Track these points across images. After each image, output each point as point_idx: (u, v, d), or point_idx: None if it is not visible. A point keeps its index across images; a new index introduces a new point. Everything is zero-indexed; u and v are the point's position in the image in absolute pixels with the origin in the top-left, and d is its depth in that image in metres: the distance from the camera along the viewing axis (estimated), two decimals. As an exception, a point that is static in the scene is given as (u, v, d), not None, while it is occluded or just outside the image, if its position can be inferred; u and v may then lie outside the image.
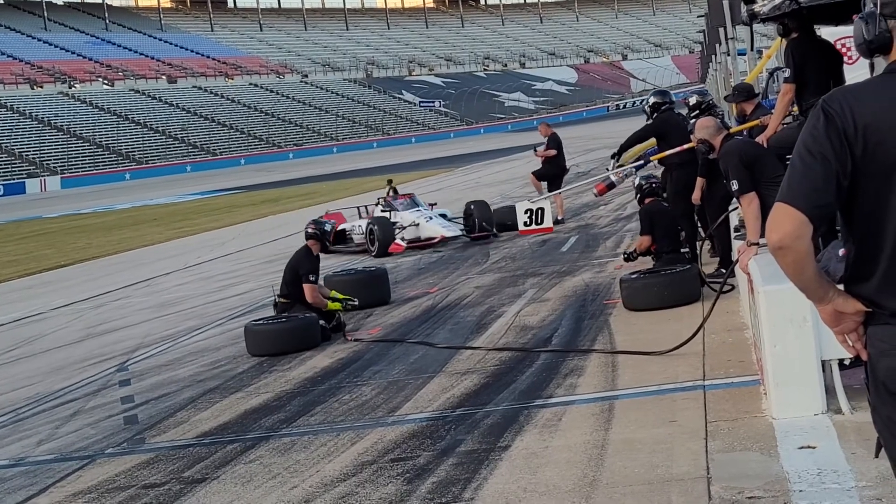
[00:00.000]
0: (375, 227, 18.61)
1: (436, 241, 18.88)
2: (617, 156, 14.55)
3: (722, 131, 8.86)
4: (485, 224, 18.97)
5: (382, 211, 19.89)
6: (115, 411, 9.30)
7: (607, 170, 14.49)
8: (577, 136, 55.02)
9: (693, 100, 12.64)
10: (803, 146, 2.86)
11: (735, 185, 7.78)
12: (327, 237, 11.98)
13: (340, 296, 11.88)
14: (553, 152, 20.53)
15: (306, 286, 11.43)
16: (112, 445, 8.10)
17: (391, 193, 20.61)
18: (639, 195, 12.08)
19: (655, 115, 13.31)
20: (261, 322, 11.28)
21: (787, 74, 8.82)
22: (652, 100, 13.61)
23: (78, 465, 7.67)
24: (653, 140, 13.86)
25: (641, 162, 14.46)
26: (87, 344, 13.42)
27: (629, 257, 11.86)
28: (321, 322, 11.18)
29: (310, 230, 11.93)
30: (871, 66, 3.19)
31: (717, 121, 9.42)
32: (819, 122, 2.84)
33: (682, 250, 11.77)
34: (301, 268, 11.55)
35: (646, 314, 10.18)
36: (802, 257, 2.80)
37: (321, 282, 12.01)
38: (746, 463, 5.60)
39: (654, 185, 12.10)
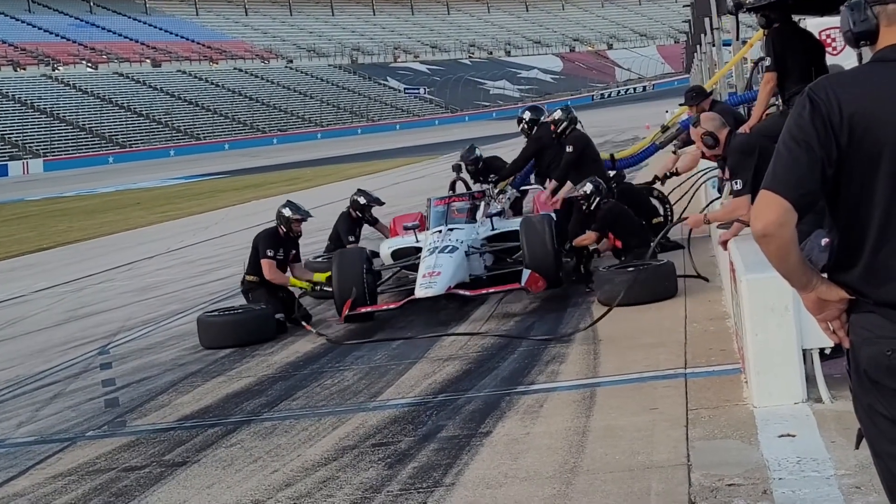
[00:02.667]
0: (334, 269, 10.88)
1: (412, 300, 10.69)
2: (495, 183, 13.62)
3: (726, 126, 8.74)
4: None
5: (408, 228, 12.38)
6: (95, 394, 9.27)
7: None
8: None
9: (557, 114, 12.48)
10: (788, 134, 2.86)
11: (738, 186, 7.62)
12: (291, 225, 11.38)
13: (323, 276, 11.44)
14: None
15: (263, 261, 11.17)
16: (93, 428, 8.07)
17: (458, 184, 14.09)
18: (595, 199, 11.47)
19: (534, 131, 13.12)
20: (214, 314, 10.94)
21: (768, 63, 8.87)
22: (527, 116, 13.32)
23: (58, 447, 7.64)
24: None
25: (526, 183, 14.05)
26: (68, 327, 13.37)
27: (569, 254, 11.83)
28: (278, 315, 10.84)
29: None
30: (859, 56, 3.20)
31: (720, 116, 9.35)
32: (805, 110, 2.84)
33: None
34: (261, 244, 11.29)
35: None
36: (786, 245, 2.81)
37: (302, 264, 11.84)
38: (727, 450, 5.63)
39: (610, 186, 11.98)
